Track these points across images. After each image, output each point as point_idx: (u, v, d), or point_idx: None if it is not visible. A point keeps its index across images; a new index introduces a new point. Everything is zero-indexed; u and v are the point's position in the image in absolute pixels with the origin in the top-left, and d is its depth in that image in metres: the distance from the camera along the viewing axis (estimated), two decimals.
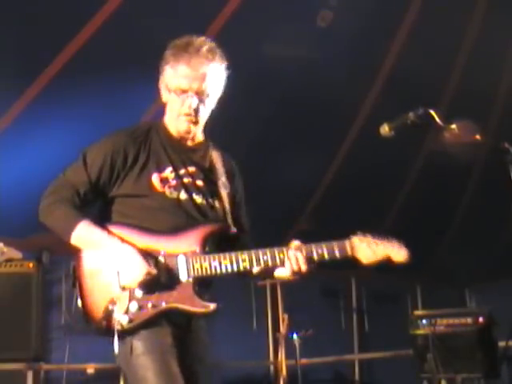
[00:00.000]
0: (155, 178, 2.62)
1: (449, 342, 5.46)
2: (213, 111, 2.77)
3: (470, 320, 5.54)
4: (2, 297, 5.28)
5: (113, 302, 2.45)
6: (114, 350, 2.46)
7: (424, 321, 5.66)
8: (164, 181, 2.62)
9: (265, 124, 6.64)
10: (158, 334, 2.47)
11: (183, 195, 2.64)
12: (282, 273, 2.66)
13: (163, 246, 2.55)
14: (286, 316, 5.70)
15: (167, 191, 2.61)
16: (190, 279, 2.52)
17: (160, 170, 2.64)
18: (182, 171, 2.68)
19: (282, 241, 2.68)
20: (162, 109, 2.83)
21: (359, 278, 8.58)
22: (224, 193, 2.75)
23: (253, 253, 2.56)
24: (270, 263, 2.56)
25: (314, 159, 6.85)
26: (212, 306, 2.52)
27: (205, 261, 2.53)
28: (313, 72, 6.51)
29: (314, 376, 7.29)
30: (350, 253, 2.59)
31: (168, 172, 2.65)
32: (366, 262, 2.61)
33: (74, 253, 2.58)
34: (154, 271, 2.47)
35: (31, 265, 5.43)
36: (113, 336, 2.43)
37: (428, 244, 8.24)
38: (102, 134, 2.76)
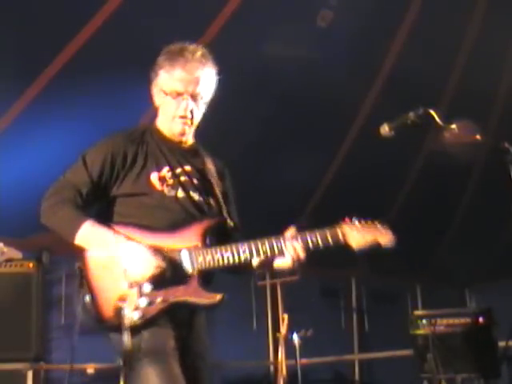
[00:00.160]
0: (154, 177, 2.69)
1: (449, 341, 5.46)
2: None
3: (469, 320, 5.53)
4: (2, 297, 5.28)
5: (122, 299, 2.47)
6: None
7: (424, 321, 5.66)
8: (162, 179, 2.70)
9: (265, 124, 6.64)
10: (161, 336, 2.51)
11: (181, 193, 2.71)
12: (282, 263, 2.74)
13: (165, 242, 2.61)
14: (285, 316, 5.70)
15: (166, 189, 2.69)
16: (195, 272, 2.58)
17: (158, 169, 2.71)
18: (179, 170, 2.76)
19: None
20: (157, 109, 2.86)
21: (359, 277, 8.59)
22: (218, 191, 2.84)
23: (252, 243, 2.64)
24: (268, 252, 2.65)
25: (314, 159, 6.85)
26: (218, 296, 2.59)
27: (207, 254, 2.60)
28: (313, 72, 6.52)
29: (314, 376, 7.29)
30: (341, 239, 2.69)
31: (165, 171, 2.72)
32: (357, 247, 2.70)
33: (78, 253, 2.59)
34: (164, 265, 2.53)
35: (31, 265, 5.42)
36: (124, 332, 2.44)
37: (428, 244, 8.26)
38: (102, 134, 2.78)
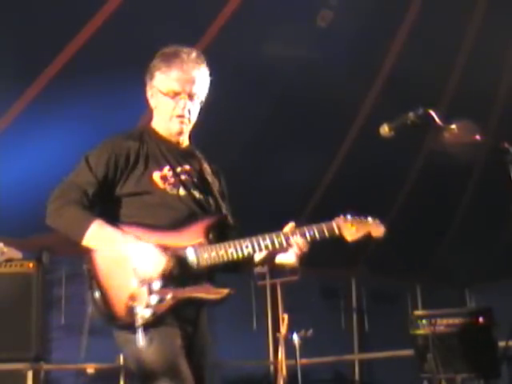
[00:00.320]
0: (156, 176, 2.73)
1: (449, 341, 5.45)
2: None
3: (470, 320, 5.53)
4: (2, 297, 5.28)
5: (133, 298, 2.51)
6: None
7: (424, 321, 5.65)
8: (164, 178, 2.74)
9: (265, 124, 6.64)
10: (169, 334, 2.54)
11: (182, 191, 2.76)
12: (283, 259, 2.82)
13: (170, 240, 2.64)
14: (285, 316, 5.70)
15: (168, 188, 2.72)
16: (201, 269, 2.63)
17: (159, 168, 2.75)
18: (179, 169, 2.80)
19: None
20: (152, 111, 2.88)
21: (359, 277, 8.59)
22: (215, 190, 2.90)
23: (253, 239, 2.70)
24: (270, 247, 2.71)
25: (313, 159, 6.85)
26: (226, 291, 2.65)
27: (212, 250, 2.65)
28: (313, 72, 6.52)
29: (314, 376, 7.29)
30: (337, 232, 2.80)
31: (166, 170, 2.76)
32: (351, 239, 2.82)
33: (85, 254, 2.59)
34: (172, 263, 2.56)
35: (31, 265, 5.42)
36: (137, 330, 2.47)
37: (428, 244, 8.26)
38: (102, 134, 2.79)
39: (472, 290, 9.62)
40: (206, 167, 2.91)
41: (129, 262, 2.55)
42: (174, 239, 2.65)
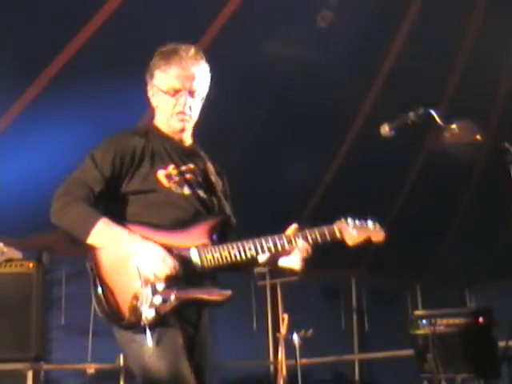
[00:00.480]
0: (161, 175, 2.71)
1: (449, 341, 5.46)
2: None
3: (469, 320, 5.53)
4: (2, 297, 5.28)
5: (136, 298, 2.50)
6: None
7: (424, 321, 5.65)
8: (169, 177, 2.72)
9: (265, 124, 6.64)
10: (171, 334, 2.53)
11: (187, 190, 2.74)
12: (287, 263, 2.81)
13: (174, 241, 2.63)
14: (285, 316, 5.70)
15: (173, 186, 2.71)
16: (205, 270, 2.62)
17: (164, 166, 2.73)
18: (184, 168, 2.79)
19: None
20: (154, 110, 2.87)
21: (359, 278, 8.58)
22: (219, 190, 2.89)
23: (256, 241, 2.69)
24: (273, 250, 2.71)
25: (313, 159, 6.85)
26: (228, 292, 2.65)
27: (215, 252, 2.64)
28: (313, 72, 6.51)
29: (314, 376, 7.29)
30: (338, 236, 2.79)
31: (171, 169, 2.74)
32: (351, 243, 2.80)
33: (89, 252, 2.57)
34: (177, 264, 2.56)
35: (31, 265, 5.43)
36: (142, 330, 2.47)
37: (428, 244, 8.25)
38: (102, 134, 2.78)
39: (472, 290, 9.62)
40: (210, 167, 2.90)
41: (134, 261, 2.54)
42: (177, 239, 2.64)
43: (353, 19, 6.38)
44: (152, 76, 2.82)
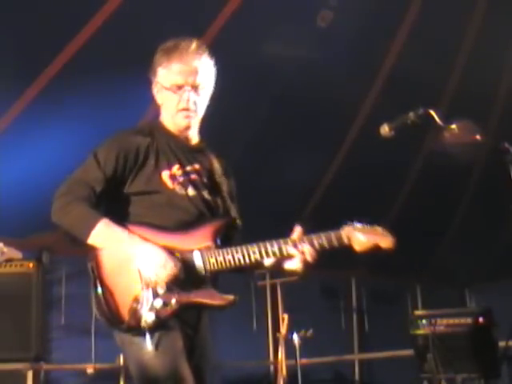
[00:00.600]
0: (165, 175, 2.67)
1: (449, 341, 5.46)
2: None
3: (469, 320, 5.53)
4: (2, 297, 5.28)
5: (137, 301, 2.47)
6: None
7: (424, 321, 5.66)
8: (173, 177, 2.67)
9: (265, 124, 6.64)
10: (170, 336, 2.51)
11: (191, 191, 2.70)
12: (291, 266, 2.75)
13: (177, 243, 2.59)
14: (285, 316, 5.70)
15: (177, 187, 2.67)
16: (208, 274, 2.58)
17: (169, 167, 2.69)
18: (189, 168, 2.74)
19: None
20: (159, 108, 2.86)
21: (359, 278, 8.58)
22: (225, 190, 2.84)
23: (261, 245, 2.64)
24: (278, 254, 2.66)
25: (313, 159, 6.85)
26: (231, 297, 2.60)
27: (219, 255, 2.60)
28: (313, 72, 6.51)
29: (314, 376, 7.29)
30: (346, 241, 2.70)
31: (176, 169, 2.70)
32: (359, 250, 2.72)
33: (90, 253, 2.54)
34: (178, 267, 2.52)
35: (31, 265, 5.42)
36: (141, 334, 2.45)
37: (428, 244, 8.26)
38: (102, 134, 2.76)
39: (472, 290, 9.62)
40: (217, 166, 2.85)
41: (134, 263, 2.51)
42: (181, 241, 2.60)
43: (353, 19, 6.38)
44: (155, 73, 2.77)
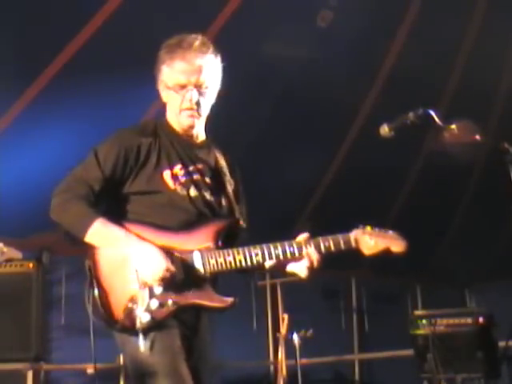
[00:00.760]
0: (167, 175, 2.64)
1: (449, 341, 5.46)
2: (213, 109, 2.80)
3: (469, 320, 5.53)
4: (2, 297, 5.28)
5: (133, 300, 2.46)
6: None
7: (424, 321, 5.66)
8: (175, 177, 2.65)
9: (265, 124, 6.64)
10: (168, 335, 2.49)
11: (193, 192, 2.67)
12: (295, 269, 2.72)
13: (177, 243, 2.57)
14: (285, 316, 5.70)
15: (178, 188, 2.64)
16: (207, 275, 2.55)
17: (171, 166, 2.66)
18: (191, 168, 2.71)
19: (282, 241, 2.69)
20: (162, 109, 2.85)
21: (359, 278, 8.58)
22: (230, 190, 2.80)
23: (264, 247, 2.61)
24: (281, 257, 2.62)
25: (313, 159, 6.85)
26: (230, 300, 2.57)
27: (219, 256, 2.57)
28: (313, 72, 6.51)
29: (314, 376, 7.29)
30: (354, 245, 2.67)
31: (178, 169, 2.67)
32: (368, 253, 2.70)
33: (88, 251, 2.54)
34: (175, 267, 2.50)
35: (31, 265, 5.42)
36: (135, 334, 2.43)
37: (428, 244, 8.25)
38: (102, 133, 2.76)
39: (472, 290, 9.61)
40: (223, 165, 2.81)
41: (131, 262, 2.49)
42: (181, 241, 2.58)
43: (353, 19, 6.38)
44: (159, 71, 2.74)
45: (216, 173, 2.79)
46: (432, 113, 2.57)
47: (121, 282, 2.49)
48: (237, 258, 2.57)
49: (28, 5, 5.02)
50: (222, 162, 2.82)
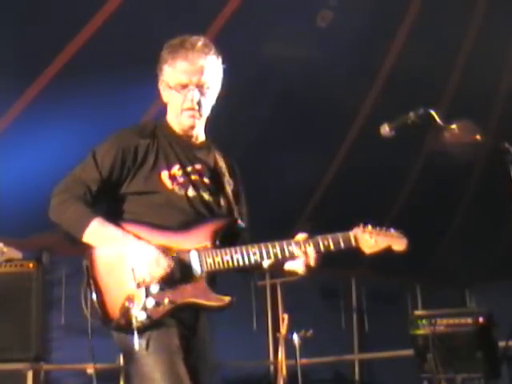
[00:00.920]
0: (164, 176, 2.66)
1: (449, 341, 5.46)
2: (213, 110, 2.81)
3: (470, 320, 5.53)
4: (2, 297, 5.27)
5: (129, 299, 2.46)
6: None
7: (424, 321, 5.66)
8: (172, 178, 2.66)
9: (265, 124, 6.64)
10: (166, 334, 2.49)
11: (191, 192, 2.67)
12: (293, 266, 2.72)
13: (174, 242, 2.58)
14: (285, 316, 5.70)
15: (176, 188, 2.65)
16: (204, 274, 2.55)
17: (168, 167, 2.67)
18: (190, 168, 2.72)
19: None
20: (162, 109, 2.85)
21: (359, 277, 8.58)
22: (229, 190, 2.81)
23: (262, 246, 2.61)
24: (279, 256, 2.62)
25: (314, 159, 6.85)
26: (227, 299, 2.56)
27: (217, 255, 2.57)
28: (313, 72, 6.51)
29: (314, 376, 7.29)
30: (354, 244, 2.67)
31: (176, 169, 2.68)
32: (369, 252, 2.68)
33: (86, 251, 2.55)
34: (172, 266, 2.50)
35: (31, 265, 5.42)
36: (131, 333, 2.44)
37: (428, 244, 8.25)
38: (102, 133, 2.76)
39: (472, 290, 9.62)
40: (222, 166, 2.82)
41: (128, 261, 2.50)
42: (178, 241, 2.58)
43: (353, 19, 6.38)
44: (161, 70, 2.75)
45: (215, 173, 2.79)
46: (432, 113, 2.57)
47: (117, 281, 2.50)
48: (234, 257, 2.57)
49: (28, 5, 5.02)
50: (222, 163, 2.83)
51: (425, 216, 7.77)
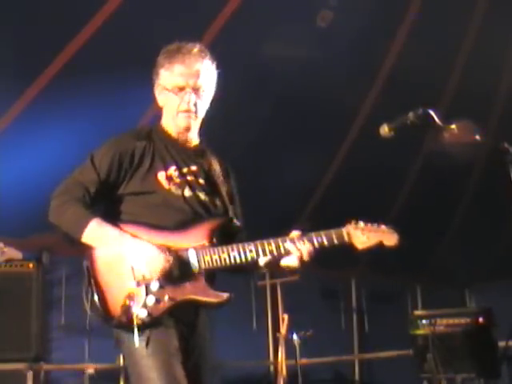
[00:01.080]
0: (161, 176, 2.71)
1: (449, 342, 5.46)
2: (208, 113, 2.86)
3: (470, 320, 5.54)
4: (2, 297, 5.28)
5: (130, 297, 2.50)
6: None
7: (424, 321, 5.66)
8: (169, 178, 2.72)
9: (265, 124, 6.64)
10: (165, 335, 2.52)
11: (187, 192, 2.73)
12: (289, 262, 2.77)
13: (172, 242, 2.62)
14: (285, 316, 5.70)
15: (173, 188, 2.70)
16: (202, 271, 2.60)
17: (165, 168, 2.73)
18: (185, 169, 2.78)
19: None
20: (160, 110, 2.87)
21: (359, 278, 8.58)
22: (224, 191, 2.86)
23: (258, 243, 2.66)
24: (275, 252, 2.67)
25: (313, 159, 6.85)
26: (226, 295, 2.61)
27: (214, 253, 2.62)
28: (313, 72, 6.52)
29: (314, 376, 7.29)
30: (346, 239, 2.72)
31: (172, 170, 2.74)
32: (361, 248, 2.73)
33: (86, 252, 2.59)
34: (171, 262, 2.55)
35: (31, 265, 5.42)
36: (131, 330, 2.46)
37: (428, 244, 8.25)
38: (102, 133, 2.79)
39: (472, 290, 9.62)
40: (216, 168, 2.88)
41: (127, 260, 2.55)
42: (176, 240, 2.63)
43: (353, 19, 6.38)
44: (157, 75, 2.82)
45: (209, 175, 2.86)
46: (432, 113, 2.57)
47: (117, 280, 2.54)
48: (231, 254, 2.62)
49: (28, 5, 5.03)
50: (216, 166, 2.90)
51: (424, 216, 7.77)
